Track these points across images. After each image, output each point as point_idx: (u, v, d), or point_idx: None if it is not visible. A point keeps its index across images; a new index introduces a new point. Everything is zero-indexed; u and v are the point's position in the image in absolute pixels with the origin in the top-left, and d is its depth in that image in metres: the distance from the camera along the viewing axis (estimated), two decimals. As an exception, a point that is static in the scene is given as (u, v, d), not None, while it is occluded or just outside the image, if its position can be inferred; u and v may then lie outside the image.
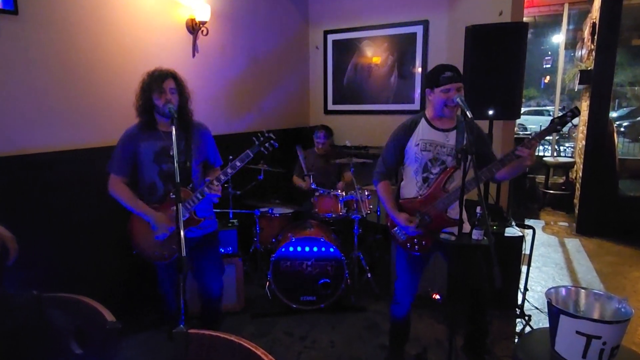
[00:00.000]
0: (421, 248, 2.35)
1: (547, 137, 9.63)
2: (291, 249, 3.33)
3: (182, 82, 2.29)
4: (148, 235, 2.32)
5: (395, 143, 2.39)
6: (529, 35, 3.50)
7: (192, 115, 2.36)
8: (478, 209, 2.02)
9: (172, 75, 2.25)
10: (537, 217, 6.24)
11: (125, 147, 2.31)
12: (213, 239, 2.53)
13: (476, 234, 2.10)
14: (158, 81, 2.20)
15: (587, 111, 5.37)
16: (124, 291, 3.08)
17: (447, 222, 2.29)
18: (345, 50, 5.10)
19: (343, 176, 4.24)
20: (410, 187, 2.39)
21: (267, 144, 2.31)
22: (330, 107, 5.31)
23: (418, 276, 2.48)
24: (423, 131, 2.33)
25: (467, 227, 2.22)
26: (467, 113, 1.95)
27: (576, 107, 2.04)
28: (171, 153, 1.95)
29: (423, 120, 2.36)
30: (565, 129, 2.54)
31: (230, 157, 3.14)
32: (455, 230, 2.25)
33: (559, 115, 2.07)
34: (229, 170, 2.26)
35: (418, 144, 2.32)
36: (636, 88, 12.44)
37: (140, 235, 2.34)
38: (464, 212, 2.23)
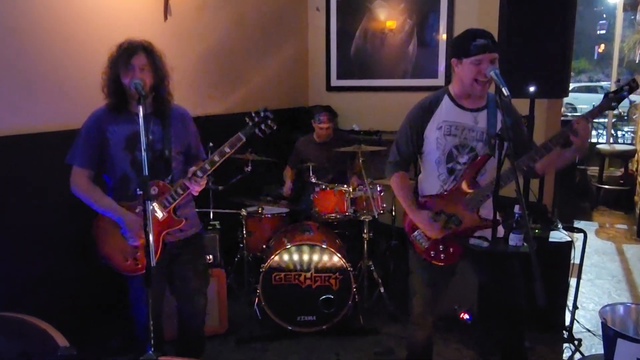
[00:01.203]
0: (447, 256, 2.34)
1: (602, 119, 9.63)
2: (286, 257, 3.33)
3: (158, 55, 2.28)
4: (118, 241, 2.31)
5: (411, 126, 2.37)
6: (580, -6, 3.49)
7: (171, 96, 2.36)
8: (516, 209, 2.02)
9: (143, 48, 2.23)
10: (589, 218, 6.24)
11: (90, 132, 2.29)
12: (196, 244, 2.53)
13: (514, 239, 2.10)
14: (124, 56, 2.19)
15: (651, 87, 5.34)
16: (82, 310, 3.08)
17: (480, 224, 2.28)
18: (353, 12, 5.06)
19: (354, 168, 4.18)
20: (432, 180, 2.39)
21: (262, 125, 2.28)
22: (334, 82, 5.29)
23: (442, 291, 2.48)
24: (447, 111, 2.32)
25: (502, 231, 2.21)
26: (503, 90, 1.94)
27: (634, 80, 2.01)
28: (147, 140, 1.95)
29: (446, 97, 2.34)
30: (622, 107, 2.52)
31: (210, 144, 3.10)
32: (488, 234, 2.24)
33: (614, 89, 2.05)
34: (217, 158, 2.24)
35: (441, 127, 2.31)
36: None
37: (109, 240, 2.33)
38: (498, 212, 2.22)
